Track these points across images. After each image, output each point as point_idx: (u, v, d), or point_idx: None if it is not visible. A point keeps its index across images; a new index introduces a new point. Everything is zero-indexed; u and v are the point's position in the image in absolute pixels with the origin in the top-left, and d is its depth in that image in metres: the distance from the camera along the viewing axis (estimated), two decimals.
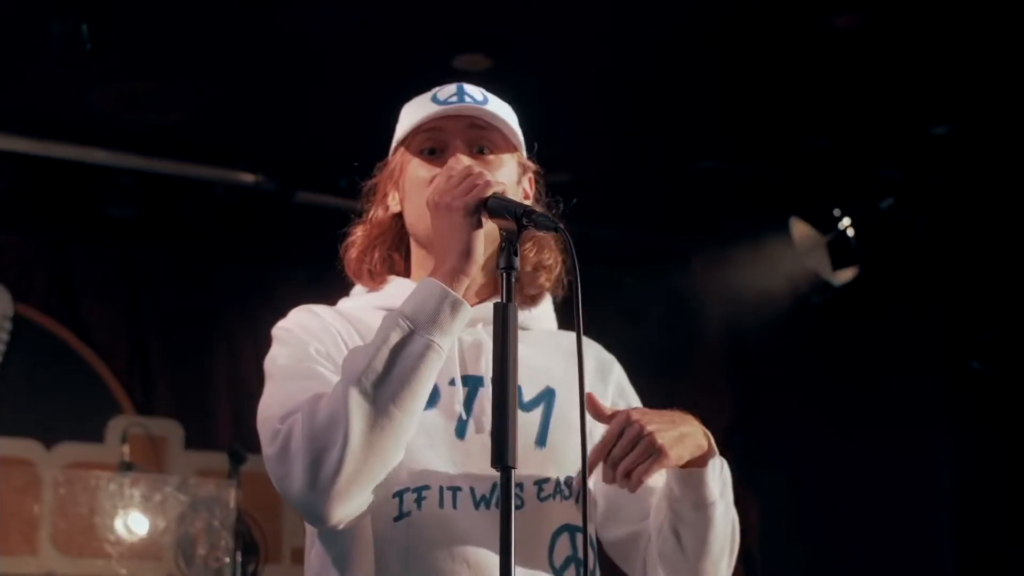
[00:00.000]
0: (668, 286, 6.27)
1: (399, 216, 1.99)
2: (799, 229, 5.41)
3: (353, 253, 2.00)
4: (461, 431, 1.84)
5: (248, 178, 5.40)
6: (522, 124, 2.42)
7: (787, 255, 5.56)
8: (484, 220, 1.75)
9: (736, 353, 6.61)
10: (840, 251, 5.39)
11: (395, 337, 1.69)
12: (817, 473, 6.04)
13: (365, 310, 1.93)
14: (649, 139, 5.24)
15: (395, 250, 2.01)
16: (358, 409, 1.65)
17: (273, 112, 5.02)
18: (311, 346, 1.84)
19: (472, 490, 1.80)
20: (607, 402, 1.95)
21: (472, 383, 1.86)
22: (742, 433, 6.48)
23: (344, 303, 2.00)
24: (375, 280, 1.98)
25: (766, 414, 6.45)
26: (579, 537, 1.85)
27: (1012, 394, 5.36)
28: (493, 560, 1.71)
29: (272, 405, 1.78)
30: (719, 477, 1.86)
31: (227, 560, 4.55)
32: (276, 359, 1.86)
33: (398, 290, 1.92)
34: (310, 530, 1.87)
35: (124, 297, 5.84)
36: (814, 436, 6.07)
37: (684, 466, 1.82)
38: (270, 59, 4.58)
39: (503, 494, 1.60)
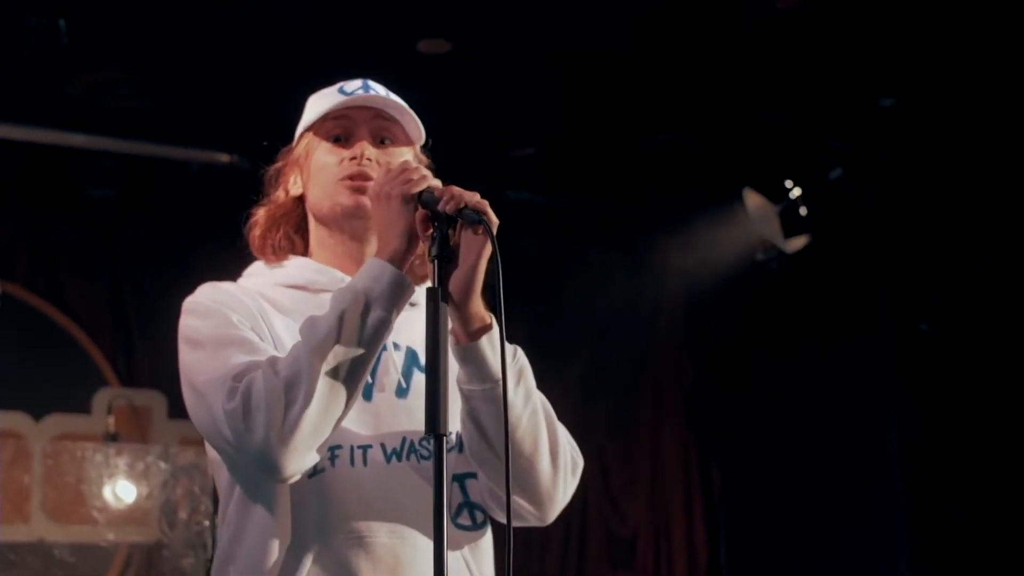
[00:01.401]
0: (629, 255, 6.39)
1: (300, 199, 2.11)
2: (752, 199, 5.52)
3: (257, 232, 2.10)
4: (367, 394, 1.95)
5: (223, 158, 5.47)
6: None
7: (742, 224, 5.67)
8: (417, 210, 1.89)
9: (696, 319, 6.72)
10: (791, 220, 5.50)
11: (353, 310, 1.81)
12: (775, 434, 6.16)
13: (268, 287, 2.03)
14: (609, 115, 5.36)
15: (295, 231, 2.11)
16: (319, 372, 1.77)
17: (246, 94, 5.12)
18: (233, 316, 1.94)
19: (383, 446, 1.93)
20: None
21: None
22: (704, 397, 6.65)
23: (244, 281, 2.08)
24: (277, 256, 2.08)
25: (726, 378, 6.57)
26: (468, 483, 1.98)
27: (958, 353, 5.49)
28: (403, 510, 1.89)
29: (215, 367, 1.87)
30: (510, 362, 1.90)
31: (207, 523, 4.67)
32: (199, 329, 1.94)
33: (298, 269, 2.05)
34: (227, 486, 1.98)
35: (106, 274, 5.92)
36: (771, 398, 6.20)
37: (459, 343, 1.88)
38: (242, 44, 4.70)
39: (435, 459, 1.72)
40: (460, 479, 1.98)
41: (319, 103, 2.12)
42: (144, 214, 5.80)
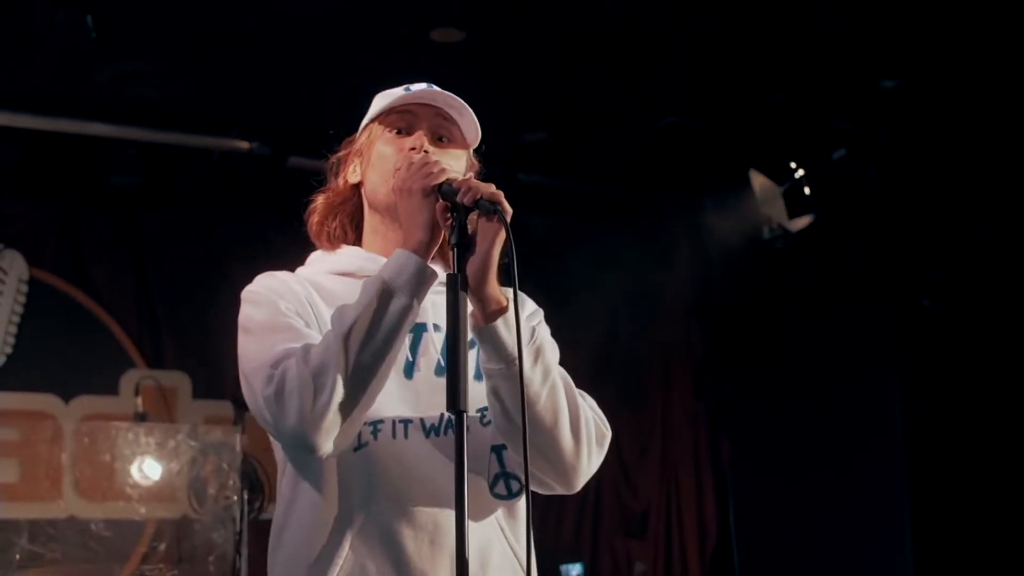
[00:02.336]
0: (639, 234, 6.46)
1: (357, 187, 2.22)
2: (757, 180, 5.59)
3: (316, 218, 2.23)
4: (409, 371, 2.07)
5: (243, 145, 5.60)
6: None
7: (748, 203, 5.74)
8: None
9: (704, 296, 6.79)
10: (796, 200, 5.56)
11: (379, 300, 1.91)
12: (782, 406, 6.24)
13: (320, 275, 2.16)
14: (617, 99, 5.46)
15: (350, 221, 2.23)
16: (346, 358, 1.87)
17: (265, 84, 5.25)
18: (281, 303, 2.06)
19: (422, 421, 2.04)
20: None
21: (416, 330, 2.09)
22: (712, 371, 6.73)
23: (301, 270, 2.21)
24: (332, 244, 2.21)
25: (734, 351, 6.64)
26: (504, 454, 2.07)
27: (958, 328, 5.55)
28: (441, 480, 1.97)
29: (259, 355, 1.99)
30: (527, 343, 1.97)
31: (235, 498, 4.79)
32: (252, 317, 2.07)
33: (350, 257, 2.19)
34: (281, 461, 2.12)
35: (130, 259, 6.04)
36: (778, 372, 6.28)
37: (477, 325, 1.97)
38: (261, 35, 4.81)
39: (456, 433, 1.82)
40: (497, 450, 2.08)
41: (385, 99, 2.22)
42: (168, 200, 5.91)
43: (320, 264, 2.23)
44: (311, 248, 2.32)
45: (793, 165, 5.58)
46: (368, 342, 1.90)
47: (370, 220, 2.21)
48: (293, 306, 2.08)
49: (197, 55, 5.00)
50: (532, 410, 1.98)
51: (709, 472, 6.73)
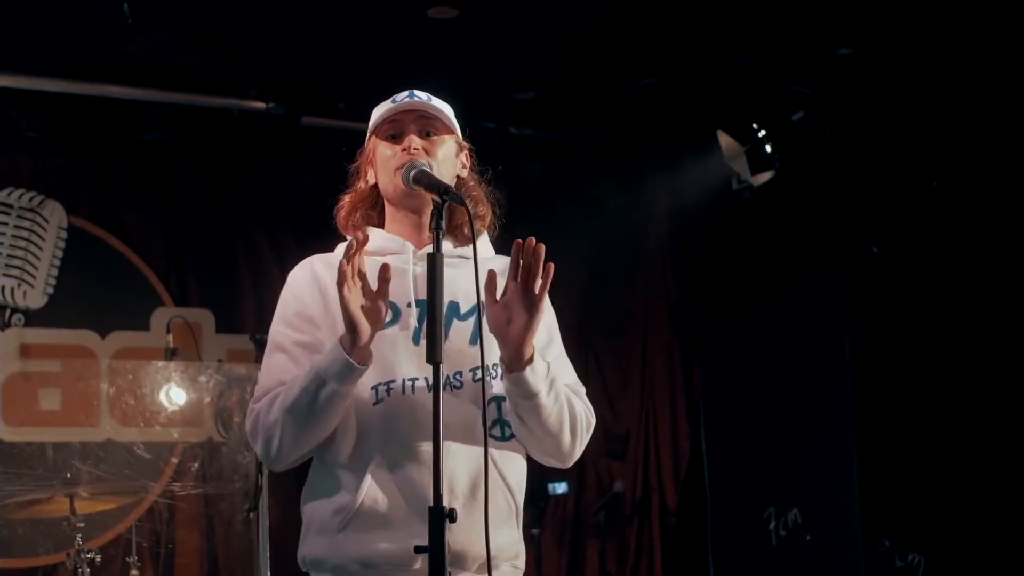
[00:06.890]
0: (620, 183, 6.81)
1: (375, 187, 2.57)
2: (724, 139, 5.92)
3: (342, 213, 2.60)
4: (416, 338, 2.40)
5: (260, 105, 5.97)
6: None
7: (718, 158, 6.07)
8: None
9: (679, 239, 7.13)
10: (758, 157, 5.89)
11: (315, 386, 2.29)
12: (748, 340, 6.61)
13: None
14: (599, 63, 5.81)
15: (372, 210, 2.59)
16: (288, 427, 2.32)
17: (280, 51, 5.63)
18: (291, 309, 2.45)
19: (426, 379, 2.36)
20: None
21: (423, 305, 2.37)
22: (686, 308, 7.08)
23: (340, 247, 2.52)
24: (354, 231, 2.47)
25: (705, 292, 6.98)
26: (503, 404, 2.41)
27: (903, 273, 5.86)
28: (443, 425, 2.27)
29: (261, 376, 2.42)
30: (544, 378, 2.35)
31: None
32: (274, 324, 2.48)
33: (373, 237, 2.44)
34: None
35: (158, 207, 6.38)
36: (744, 309, 6.63)
37: (511, 371, 2.32)
38: (276, 8, 5.17)
39: (434, 381, 2.16)
40: (497, 400, 2.43)
41: (378, 112, 2.58)
42: (191, 154, 6.26)
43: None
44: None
45: (755, 126, 5.88)
46: (305, 415, 2.32)
47: (388, 210, 2.57)
48: (303, 309, 2.46)
49: (218, 26, 5.34)
50: (545, 425, 2.39)
51: (683, 400, 7.10)
